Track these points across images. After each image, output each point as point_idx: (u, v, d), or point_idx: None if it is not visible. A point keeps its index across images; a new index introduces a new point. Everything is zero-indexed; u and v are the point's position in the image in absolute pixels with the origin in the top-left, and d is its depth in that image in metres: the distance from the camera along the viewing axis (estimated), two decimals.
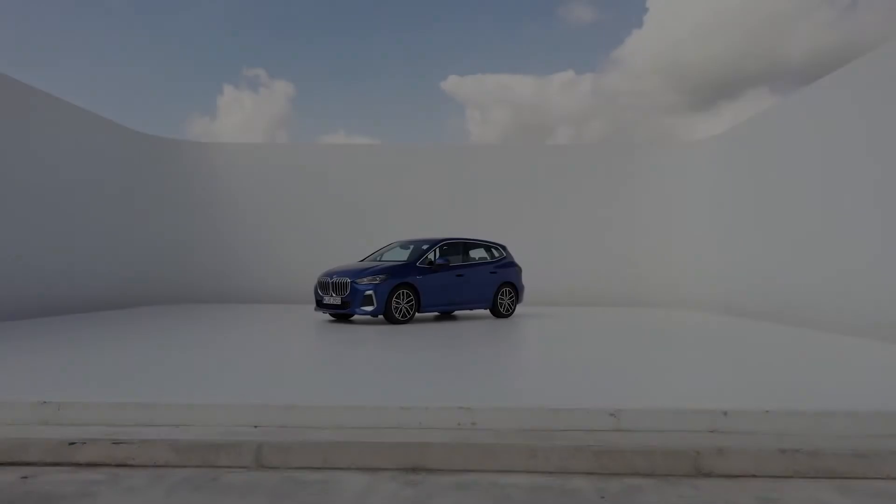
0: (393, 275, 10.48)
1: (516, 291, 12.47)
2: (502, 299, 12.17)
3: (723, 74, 29.86)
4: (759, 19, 27.96)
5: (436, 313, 12.02)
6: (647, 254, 16.34)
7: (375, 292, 10.24)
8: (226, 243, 16.59)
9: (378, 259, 11.76)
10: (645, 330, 10.15)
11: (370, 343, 8.13)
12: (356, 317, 11.29)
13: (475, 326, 10.42)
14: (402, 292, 10.52)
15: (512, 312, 12.37)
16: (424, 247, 11.40)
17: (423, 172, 16.91)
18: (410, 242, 12.01)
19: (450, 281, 11.26)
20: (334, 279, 10.61)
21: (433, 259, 11.24)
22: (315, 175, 16.85)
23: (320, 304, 10.88)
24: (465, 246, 11.95)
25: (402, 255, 11.63)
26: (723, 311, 14.05)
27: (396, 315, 10.43)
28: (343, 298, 10.43)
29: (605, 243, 16.46)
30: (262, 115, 33.90)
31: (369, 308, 10.27)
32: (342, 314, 10.88)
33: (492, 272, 12.06)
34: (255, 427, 4.06)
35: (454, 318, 11.96)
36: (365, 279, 10.36)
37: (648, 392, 5.00)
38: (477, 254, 12.25)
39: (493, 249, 12.48)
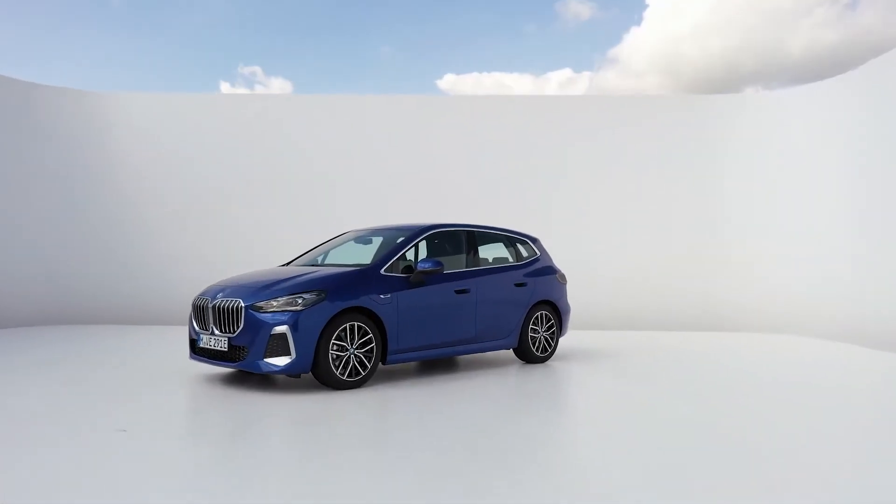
0: (333, 291, 5.35)
1: (559, 316, 7.33)
2: (536, 331, 7.03)
3: (721, 72, 29.26)
4: (758, 17, 27.13)
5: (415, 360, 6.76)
6: (727, 255, 11.18)
7: (295, 328, 5.12)
8: (125, 239, 11.46)
9: (317, 262, 6.60)
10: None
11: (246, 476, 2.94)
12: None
13: (499, 392, 5.30)
14: (351, 327, 5.39)
15: (551, 354, 7.23)
16: (401, 240, 6.26)
17: (405, 136, 11.76)
18: (377, 232, 6.85)
19: (444, 301, 6.14)
20: (218, 301, 5.46)
21: (413, 261, 6.14)
22: (258, 141, 11.71)
23: (195, 349, 5.75)
24: (472, 238, 6.78)
25: (361, 255, 6.49)
26: (850, 339, 8.91)
27: (338, 371, 5.30)
28: (232, 339, 5.29)
29: (666, 240, 11.31)
30: None
31: (282, 361, 5.13)
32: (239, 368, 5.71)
33: (518, 284, 6.91)
34: None
35: (452, 368, 6.82)
36: (274, 302, 5.22)
37: None
38: (491, 252, 7.12)
39: (518, 244, 7.33)
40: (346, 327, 5.35)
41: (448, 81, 33.64)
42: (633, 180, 11.49)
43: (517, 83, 35.27)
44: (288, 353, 5.12)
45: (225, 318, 5.35)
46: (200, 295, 5.74)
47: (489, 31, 31.18)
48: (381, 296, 5.62)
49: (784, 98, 11.15)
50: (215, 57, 30.51)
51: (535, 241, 7.56)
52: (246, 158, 11.64)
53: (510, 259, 7.13)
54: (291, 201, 11.56)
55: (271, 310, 5.19)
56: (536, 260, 7.31)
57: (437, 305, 6.07)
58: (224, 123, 11.82)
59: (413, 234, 6.28)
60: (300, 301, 5.21)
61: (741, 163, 11.21)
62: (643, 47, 32.18)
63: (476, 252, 6.70)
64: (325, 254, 6.69)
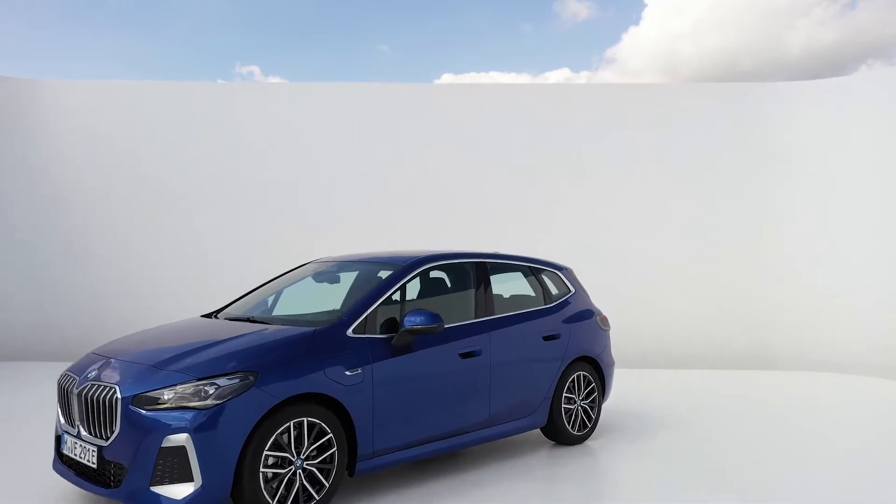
0: (267, 370, 3.35)
1: (601, 377, 5.34)
2: (571, 399, 5.04)
3: (719, 71, 29.47)
4: (757, 16, 26.92)
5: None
6: (788, 275, 9.23)
7: (201, 436, 3.12)
8: (54, 256, 9.48)
9: (260, 311, 4.56)
10: None
11: None
12: None
13: None
14: (299, 426, 3.40)
15: (591, 430, 5.24)
16: (383, 274, 4.29)
17: (395, 132, 9.80)
18: (347, 265, 4.84)
19: (443, 371, 4.15)
20: (86, 386, 3.46)
21: (400, 311, 4.12)
22: (219, 137, 9.74)
23: (61, 455, 3.73)
24: (482, 273, 4.73)
25: (322, 302, 4.52)
26: None
27: (275, 499, 3.28)
28: (104, 450, 3.29)
29: (710, 257, 9.36)
30: None
31: (180, 492, 3.11)
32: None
33: (548, 337, 4.91)
34: None
35: (452, 463, 4.81)
36: (168, 392, 3.22)
37: None
38: (507, 287, 5.13)
39: (544, 278, 5.32)
40: (288, 427, 3.36)
41: (446, 81, 33.87)
42: (667, 182, 9.52)
43: (514, 83, 35.71)
44: (190, 479, 3.13)
45: (94, 413, 3.36)
46: (68, 370, 3.74)
47: (487, 30, 31.07)
48: (348, 372, 3.64)
49: (856, 83, 9.20)
50: (213, 56, 30.49)
51: (564, 270, 5.57)
52: (202, 159, 9.65)
53: (533, 296, 5.14)
54: (257, 211, 9.58)
55: (164, 405, 3.19)
56: (570, 299, 5.33)
57: (432, 379, 4.08)
58: (182, 117, 9.83)
59: (400, 269, 4.28)
60: (212, 390, 3.22)
61: (806, 160, 9.24)
62: (642, 46, 32.29)
63: (489, 292, 4.71)
64: (273, 297, 4.68)
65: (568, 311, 5.19)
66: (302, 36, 30.51)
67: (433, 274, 4.60)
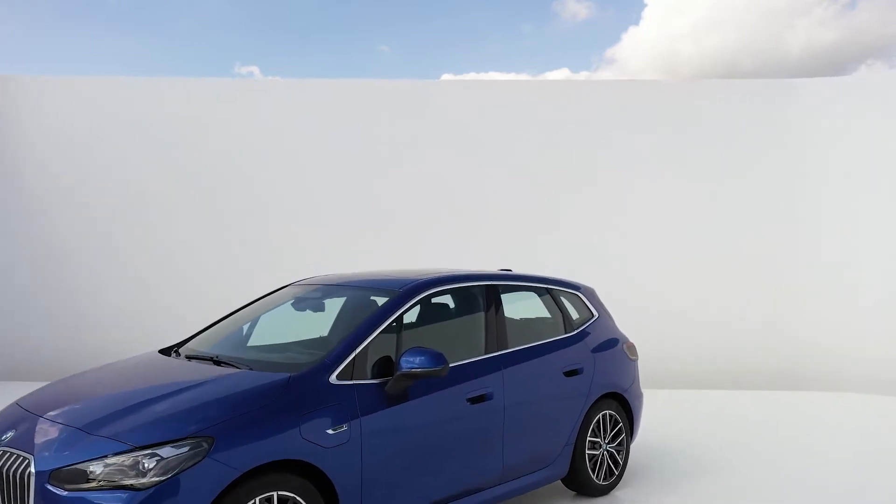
0: (226, 434, 2.63)
1: (629, 415, 4.63)
2: (596, 444, 4.32)
3: (719, 72, 28.81)
4: (756, 16, 26.83)
5: None
6: (824, 284, 8.52)
7: None
8: (41, 266, 8.78)
9: (228, 350, 3.82)
10: None
11: None
12: None
13: None
14: (266, 500, 2.68)
15: (619, 478, 4.52)
16: (378, 300, 3.59)
17: (395, 133, 9.08)
18: (334, 289, 4.10)
19: (446, 420, 3.44)
20: (2, 448, 2.74)
21: (396, 348, 3.39)
22: (217, 142, 9.03)
23: None
24: (493, 297, 3.99)
25: (309, 328, 3.81)
26: None
27: None
28: None
29: (711, 261, 8.65)
30: None
31: None
32: None
33: (570, 372, 4.20)
34: None
35: None
36: (97, 466, 2.49)
37: None
38: (521, 313, 4.41)
39: (562, 300, 4.59)
40: (260, 500, 2.65)
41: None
42: (679, 183, 8.80)
43: (517, 80, 36.28)
44: None
45: (4, 489, 2.65)
46: None
47: (487, 30, 31.06)
48: (330, 430, 2.92)
49: (869, 81, 8.49)
50: (213, 56, 30.34)
51: (581, 290, 4.83)
52: (191, 160, 8.93)
53: (553, 325, 4.42)
54: (249, 215, 8.88)
55: (91, 483, 2.48)
56: (593, 326, 4.61)
57: (435, 432, 3.37)
58: (169, 115, 9.11)
59: (396, 296, 3.56)
60: (152, 463, 2.50)
61: (841, 162, 8.53)
62: (641, 46, 32.48)
63: (501, 321, 3.99)
64: (248, 327, 3.96)
65: (591, 341, 4.47)
66: (302, 36, 30.58)
67: (435, 300, 3.89)
